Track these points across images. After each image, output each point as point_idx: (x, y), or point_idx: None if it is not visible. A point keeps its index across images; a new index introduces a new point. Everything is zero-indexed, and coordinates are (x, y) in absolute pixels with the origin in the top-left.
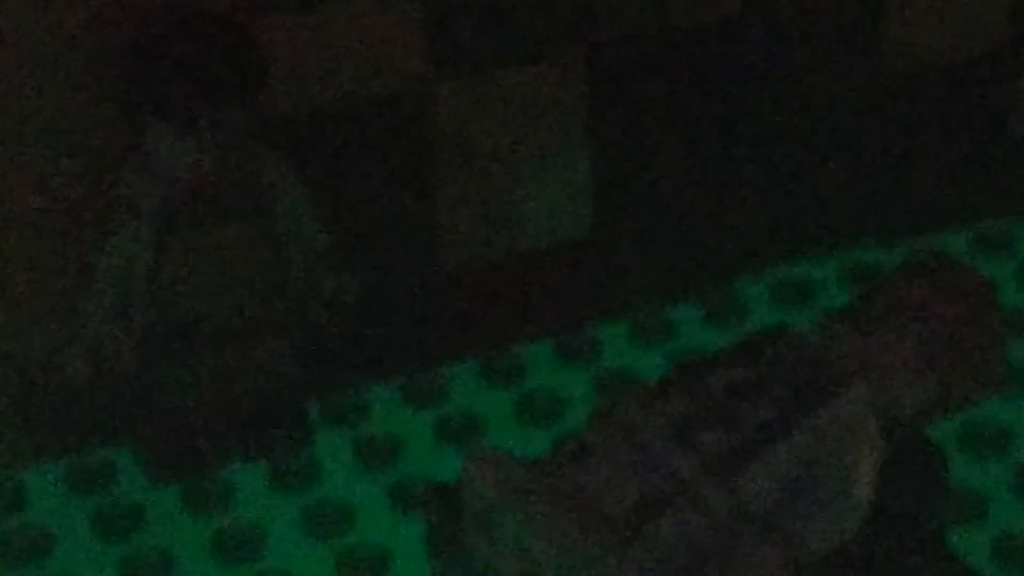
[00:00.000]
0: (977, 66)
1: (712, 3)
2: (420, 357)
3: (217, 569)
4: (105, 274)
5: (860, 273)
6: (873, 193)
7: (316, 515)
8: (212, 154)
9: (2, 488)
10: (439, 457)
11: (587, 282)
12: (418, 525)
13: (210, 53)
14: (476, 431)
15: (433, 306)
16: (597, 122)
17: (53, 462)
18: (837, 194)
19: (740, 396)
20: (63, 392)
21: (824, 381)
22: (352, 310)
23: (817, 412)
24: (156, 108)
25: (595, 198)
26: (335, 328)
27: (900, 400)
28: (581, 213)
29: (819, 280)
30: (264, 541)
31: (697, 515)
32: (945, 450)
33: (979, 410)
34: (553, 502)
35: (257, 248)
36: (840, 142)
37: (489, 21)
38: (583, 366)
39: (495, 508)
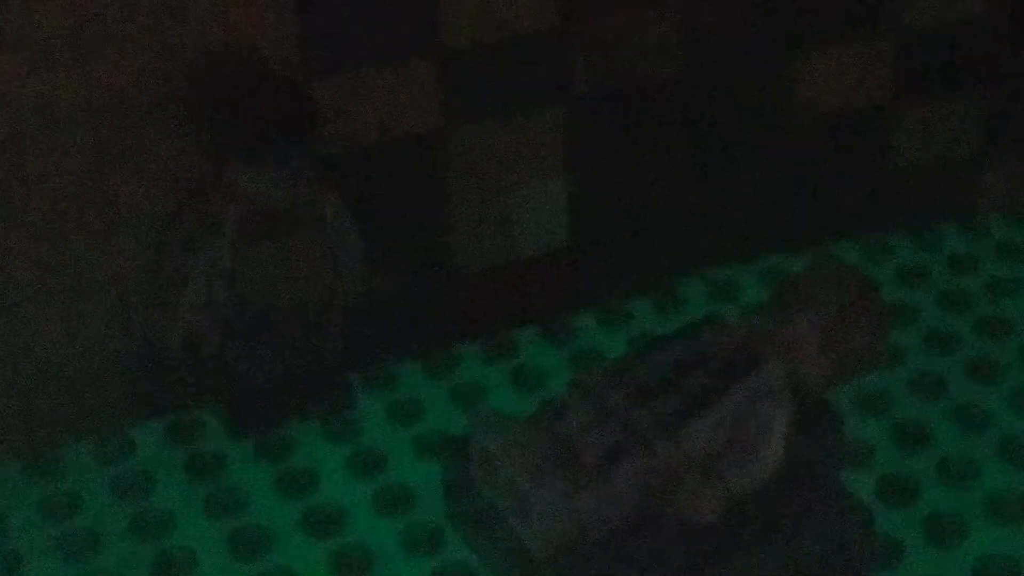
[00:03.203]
0: (866, 115)
1: (659, 64)
2: (437, 339)
3: (282, 503)
4: (197, 276)
5: (775, 274)
6: (785, 212)
7: (361, 457)
8: (278, 184)
9: (113, 439)
10: (452, 416)
11: (565, 281)
12: (436, 462)
13: (276, 107)
14: (480, 396)
15: (447, 300)
16: (574, 159)
17: (155, 420)
18: (758, 213)
19: (683, 369)
20: (164, 364)
21: (748, 359)
22: (383, 302)
23: (743, 382)
24: (235, 149)
25: (571, 217)
26: (371, 315)
27: (806, 374)
28: (560, 228)
29: (743, 279)
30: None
31: (650, 461)
32: (841, 410)
33: (867, 380)
34: (540, 451)
35: (313, 255)
36: (761, 174)
37: (490, 83)
38: (563, 346)
39: (495, 455)
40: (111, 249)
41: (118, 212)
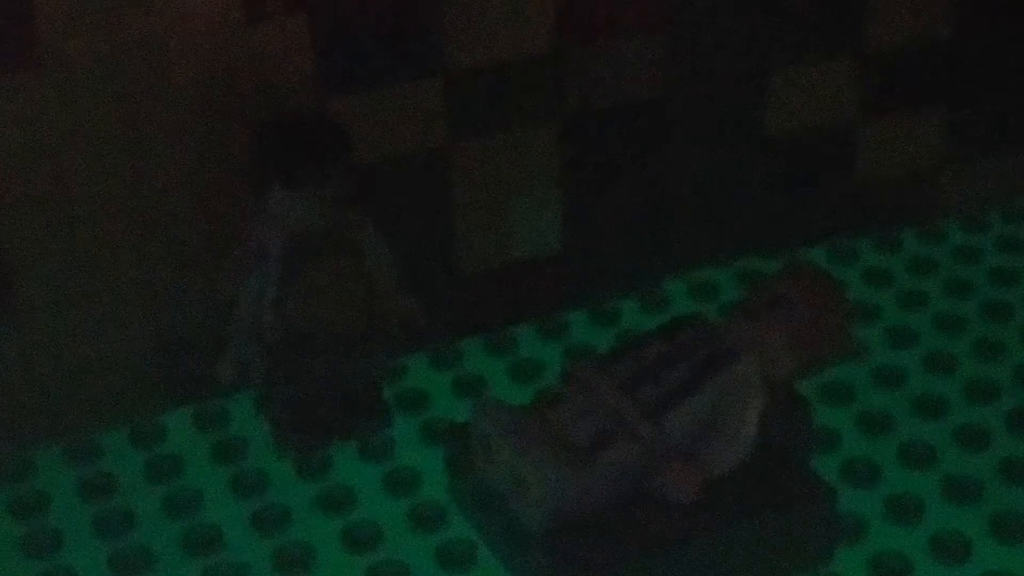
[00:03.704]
0: (834, 129)
1: (644, 85)
2: (442, 334)
3: (299, 486)
4: (244, 304)
5: (750, 276)
6: (760, 219)
7: (372, 442)
8: (315, 207)
9: (145, 425)
10: (456, 404)
11: (558, 283)
12: (440, 446)
13: (311, 138)
14: (481, 386)
15: (452, 298)
16: (567, 171)
17: (184, 407)
18: (735, 220)
19: (665, 362)
20: (190, 358)
21: (724, 353)
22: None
23: (719, 375)
24: (277, 177)
25: (563, 227)
26: (406, 341)
27: (777, 366)
28: (553, 237)
29: (722, 281)
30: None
31: (635, 445)
32: (810, 399)
33: (833, 372)
34: (535, 436)
35: (350, 282)
36: (739, 185)
37: (490, 102)
38: (557, 341)
39: (494, 440)
40: (144, 255)
41: (150, 224)
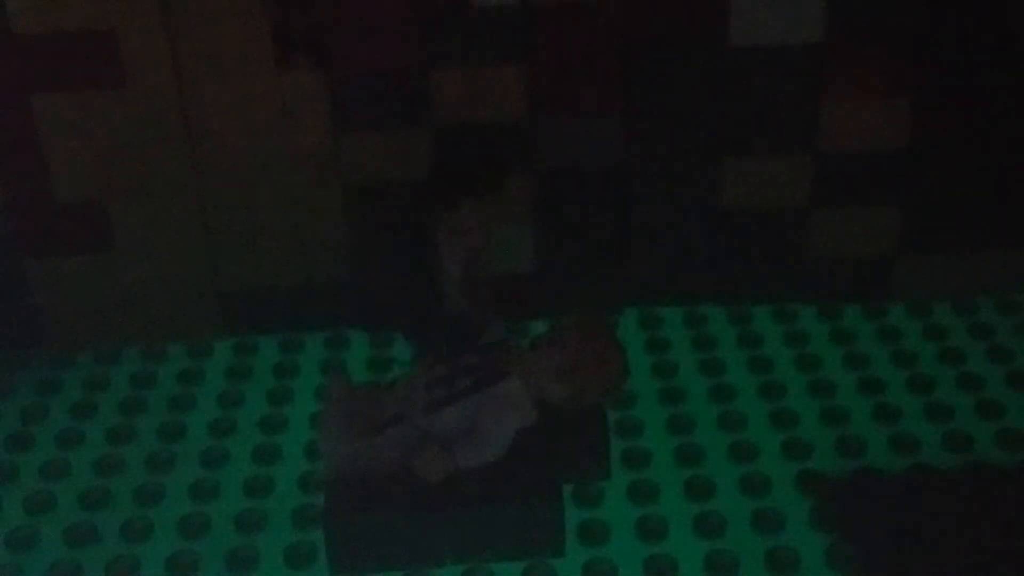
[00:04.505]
0: (781, 214)
1: (601, 151)
2: None
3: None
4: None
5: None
6: (703, 273)
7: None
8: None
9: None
10: None
11: (527, 295)
12: None
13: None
14: None
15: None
16: (538, 214)
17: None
18: (679, 269)
19: (463, 371)
20: None
21: (497, 374)
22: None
23: (486, 389)
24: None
25: (535, 254)
26: None
27: (547, 393)
28: (527, 259)
29: (667, 317)
30: None
31: (410, 429)
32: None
33: None
34: (338, 410)
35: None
36: (687, 242)
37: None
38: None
39: (324, 405)
40: (210, 225)
41: (215, 203)
